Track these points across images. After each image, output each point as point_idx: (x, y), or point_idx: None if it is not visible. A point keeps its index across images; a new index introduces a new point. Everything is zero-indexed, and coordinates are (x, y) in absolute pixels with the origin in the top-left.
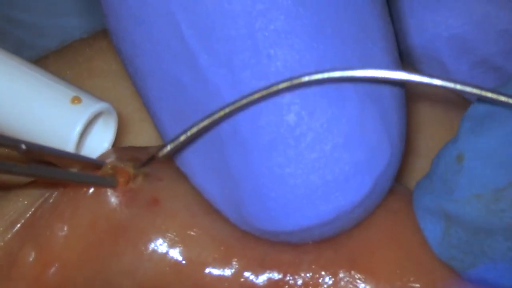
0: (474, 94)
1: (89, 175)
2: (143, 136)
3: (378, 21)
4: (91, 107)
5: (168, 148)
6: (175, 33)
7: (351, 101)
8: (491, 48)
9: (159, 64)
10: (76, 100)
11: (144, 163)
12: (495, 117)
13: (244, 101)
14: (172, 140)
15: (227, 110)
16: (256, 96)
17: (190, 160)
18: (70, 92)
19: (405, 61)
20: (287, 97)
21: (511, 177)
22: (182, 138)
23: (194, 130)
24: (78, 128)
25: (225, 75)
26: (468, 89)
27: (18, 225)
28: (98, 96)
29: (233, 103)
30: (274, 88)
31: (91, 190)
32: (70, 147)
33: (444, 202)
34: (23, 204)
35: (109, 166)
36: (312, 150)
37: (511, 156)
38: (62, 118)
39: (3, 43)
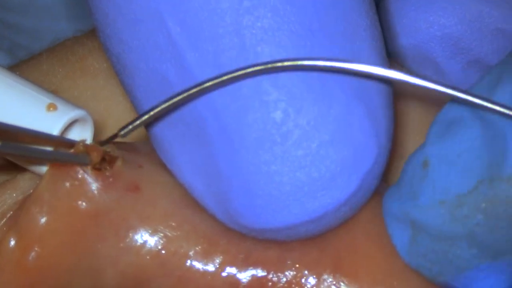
0: (447, 95)
1: (62, 153)
2: (134, 135)
3: (366, 20)
4: (67, 114)
5: (130, 127)
6: (162, 30)
7: (338, 99)
8: (484, 48)
9: (145, 62)
10: (51, 107)
11: (106, 141)
12: (461, 123)
13: (210, 83)
14: (135, 120)
15: (193, 90)
16: (224, 78)
17: (177, 157)
18: (46, 99)
19: (398, 61)
20: (273, 94)
21: (473, 183)
22: (144, 118)
23: (157, 110)
24: (54, 135)
25: (212, 73)
26: (440, 88)
27: (7, 217)
28: (91, 95)
29: (199, 84)
30: (241, 72)
31: (69, 174)
32: None
33: (410, 209)
34: (12, 197)
35: (81, 144)
36: (299, 148)
37: (474, 161)
38: (38, 125)
39: None
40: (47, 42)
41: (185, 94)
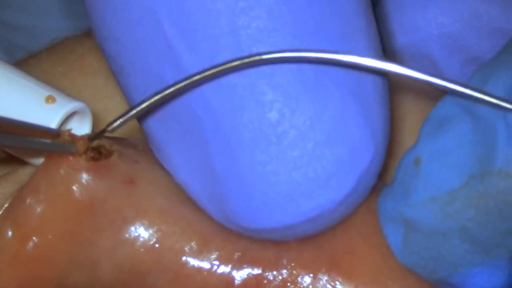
0: (444, 88)
1: (48, 142)
2: (132, 132)
3: (362, 20)
4: (65, 106)
5: (118, 122)
6: (158, 31)
7: (333, 99)
8: (482, 46)
9: (142, 62)
10: (50, 99)
11: (94, 136)
12: (452, 120)
13: (197, 77)
14: (123, 115)
15: (178, 86)
16: (212, 71)
17: (173, 157)
18: (44, 92)
19: (397, 60)
20: (269, 94)
21: (465, 178)
22: (132, 113)
23: (144, 105)
24: (53, 127)
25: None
26: (438, 81)
27: (3, 208)
28: (91, 94)
29: (185, 78)
30: (232, 64)
31: (63, 162)
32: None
33: (402, 207)
34: (11, 189)
35: (66, 134)
36: (295, 148)
37: (465, 157)
38: (37, 117)
39: None
40: (46, 41)
41: (172, 88)
